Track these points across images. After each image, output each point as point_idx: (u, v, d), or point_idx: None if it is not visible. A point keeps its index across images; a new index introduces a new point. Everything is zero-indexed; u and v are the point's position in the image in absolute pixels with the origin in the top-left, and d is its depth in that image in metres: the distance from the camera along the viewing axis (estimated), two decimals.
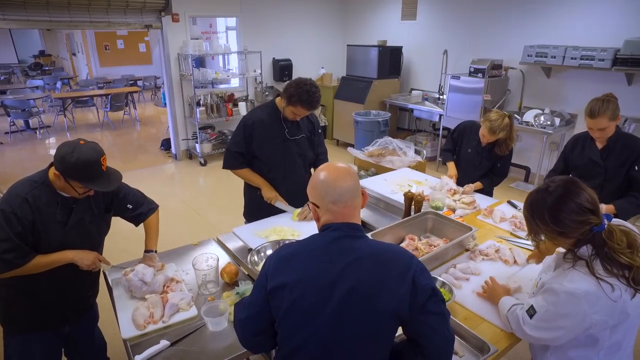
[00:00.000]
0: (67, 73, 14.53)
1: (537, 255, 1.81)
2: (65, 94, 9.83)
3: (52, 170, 1.68)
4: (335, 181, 1.20)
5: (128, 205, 1.99)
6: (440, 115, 6.16)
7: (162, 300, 1.77)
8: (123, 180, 1.91)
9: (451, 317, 1.65)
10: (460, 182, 3.01)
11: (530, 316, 1.40)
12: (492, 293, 1.77)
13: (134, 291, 1.83)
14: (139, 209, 2.05)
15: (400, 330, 1.20)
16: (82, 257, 1.77)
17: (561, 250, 1.45)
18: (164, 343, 1.57)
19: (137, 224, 2.09)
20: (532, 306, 1.41)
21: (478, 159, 2.98)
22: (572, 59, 4.85)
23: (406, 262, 1.15)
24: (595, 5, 4.84)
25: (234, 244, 2.36)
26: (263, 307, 1.20)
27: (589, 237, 1.29)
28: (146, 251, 2.05)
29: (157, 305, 1.74)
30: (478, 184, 2.95)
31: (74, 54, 15.08)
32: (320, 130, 2.84)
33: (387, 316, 1.11)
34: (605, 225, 1.28)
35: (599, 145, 2.47)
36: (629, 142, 2.41)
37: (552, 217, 1.30)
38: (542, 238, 1.40)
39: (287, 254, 1.21)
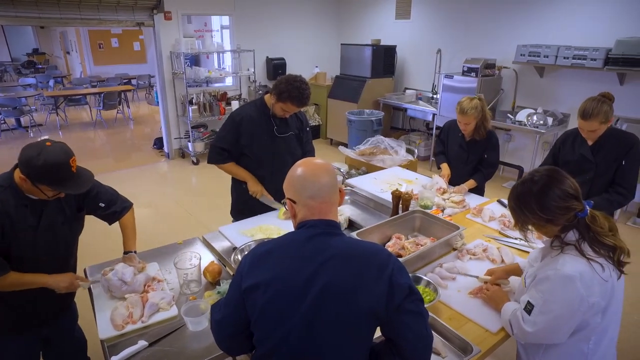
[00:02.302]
0: (61, 71, 14.45)
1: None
2: (58, 92, 9.76)
3: (18, 173, 1.58)
4: (313, 176, 1.18)
5: (100, 204, 1.91)
6: (434, 115, 6.15)
7: (142, 300, 1.74)
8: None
9: (435, 317, 1.64)
10: (451, 180, 3.00)
11: (529, 312, 1.39)
12: (493, 297, 1.72)
13: (113, 291, 1.79)
14: (113, 208, 1.96)
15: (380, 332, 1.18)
16: (58, 281, 1.70)
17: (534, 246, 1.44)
18: (142, 343, 1.54)
19: (110, 222, 2.00)
20: (528, 302, 1.40)
21: (464, 154, 2.97)
22: (564, 58, 4.84)
23: (383, 261, 1.12)
24: (587, 5, 4.84)
25: (220, 243, 2.32)
26: (238, 307, 1.17)
27: (574, 222, 1.34)
28: (125, 252, 1.98)
29: (136, 305, 1.71)
30: (471, 182, 2.92)
31: (68, 53, 14.99)
32: (308, 128, 2.81)
33: (363, 315, 1.08)
34: (588, 211, 1.34)
35: (590, 142, 2.46)
36: (619, 137, 2.41)
37: (540, 204, 1.34)
38: (530, 228, 1.43)
39: (262, 253, 1.18)
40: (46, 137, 1.62)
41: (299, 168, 1.21)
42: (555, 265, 1.33)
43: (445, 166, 3.08)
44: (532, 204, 1.35)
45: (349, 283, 1.09)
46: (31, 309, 1.78)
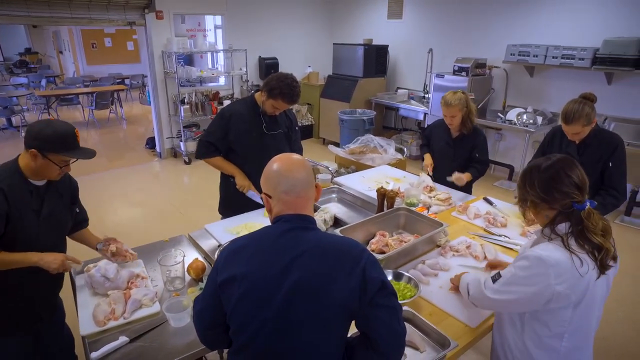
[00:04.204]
0: (54, 71, 14.37)
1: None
2: (50, 91, 9.71)
3: (24, 156, 1.65)
4: (288, 171, 1.19)
5: (77, 209, 1.99)
6: (425, 114, 6.17)
7: (125, 296, 1.74)
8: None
9: (415, 312, 1.66)
10: (437, 178, 3.03)
11: (494, 281, 1.44)
12: (459, 278, 1.77)
13: (96, 287, 1.80)
14: (83, 216, 2.06)
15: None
16: (48, 261, 1.66)
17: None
18: (123, 339, 1.55)
19: (74, 231, 2.03)
20: (498, 272, 1.45)
21: (451, 150, 2.99)
22: (553, 58, 4.88)
23: (356, 255, 1.13)
24: (576, 5, 4.88)
25: (206, 241, 2.33)
26: (215, 300, 1.19)
27: (569, 211, 1.34)
28: (100, 243, 2.01)
29: (119, 302, 1.71)
30: (468, 175, 2.89)
31: (61, 52, 14.91)
32: (297, 128, 2.83)
33: (336, 309, 1.09)
34: (587, 207, 1.34)
35: (576, 141, 2.48)
36: (605, 138, 2.43)
37: (542, 181, 1.37)
38: (528, 205, 1.45)
39: (237, 247, 1.19)
40: None
41: (275, 163, 1.22)
42: (536, 248, 1.36)
43: (427, 156, 3.14)
44: (535, 179, 1.38)
45: (321, 277, 1.10)
46: (27, 308, 1.80)
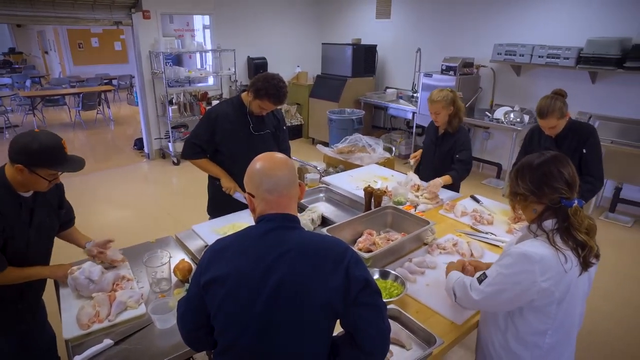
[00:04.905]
0: (39, 71, 14.18)
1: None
2: (35, 92, 9.58)
3: (9, 169, 1.60)
4: (270, 170, 1.19)
5: (62, 210, 1.97)
6: (414, 113, 6.20)
7: (110, 299, 1.72)
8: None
9: (401, 310, 1.66)
10: (421, 174, 3.06)
11: (480, 282, 1.44)
12: (450, 267, 1.78)
13: (80, 290, 1.77)
14: (70, 215, 2.05)
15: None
16: (56, 275, 1.80)
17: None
18: (107, 342, 1.53)
19: (62, 230, 2.01)
20: (483, 273, 1.45)
21: (433, 147, 3.05)
22: (539, 57, 4.94)
23: (340, 254, 1.13)
24: (560, 5, 4.94)
25: (193, 242, 2.32)
26: (198, 302, 1.18)
27: (557, 207, 1.35)
28: (89, 242, 2.00)
29: (103, 304, 1.69)
30: (446, 178, 2.85)
31: (47, 52, 14.71)
32: (285, 127, 2.82)
33: (320, 308, 1.09)
34: (574, 204, 1.35)
35: (552, 136, 2.57)
36: (579, 129, 2.54)
37: (532, 174, 1.39)
38: (518, 198, 1.46)
39: (220, 247, 1.18)
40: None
41: (258, 162, 1.22)
42: (522, 246, 1.37)
43: (420, 151, 3.22)
44: (526, 173, 1.41)
45: (305, 276, 1.10)
46: (17, 310, 1.81)
